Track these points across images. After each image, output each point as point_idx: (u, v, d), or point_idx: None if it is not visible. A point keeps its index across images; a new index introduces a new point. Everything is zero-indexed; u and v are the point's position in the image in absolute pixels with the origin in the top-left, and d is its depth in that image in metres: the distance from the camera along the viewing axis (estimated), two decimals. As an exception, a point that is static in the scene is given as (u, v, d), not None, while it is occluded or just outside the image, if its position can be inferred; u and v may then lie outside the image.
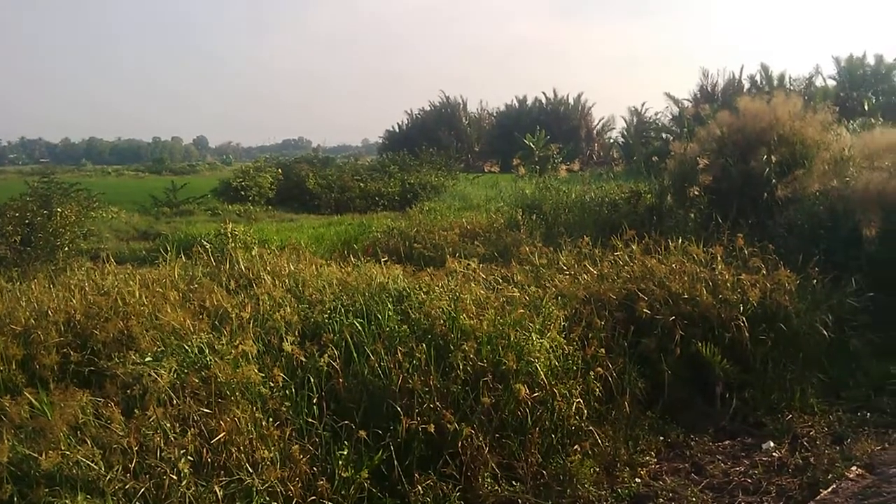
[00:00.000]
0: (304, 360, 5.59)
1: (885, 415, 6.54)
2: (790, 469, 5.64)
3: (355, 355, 5.81)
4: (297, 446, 4.90)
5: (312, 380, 5.44)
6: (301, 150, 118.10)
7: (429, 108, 67.41)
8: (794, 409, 6.78)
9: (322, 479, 4.81)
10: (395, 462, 5.14)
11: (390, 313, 6.42)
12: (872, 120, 19.94)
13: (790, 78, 45.27)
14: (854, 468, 5.20)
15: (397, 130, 67.31)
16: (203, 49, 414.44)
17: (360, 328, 6.12)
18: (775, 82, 44.29)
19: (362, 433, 5.04)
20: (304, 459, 4.87)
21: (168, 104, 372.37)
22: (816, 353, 7.38)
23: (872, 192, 9.61)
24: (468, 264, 8.19)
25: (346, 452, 4.99)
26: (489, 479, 5.38)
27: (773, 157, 11.78)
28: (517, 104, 65.87)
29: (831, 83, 44.52)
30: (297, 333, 6.08)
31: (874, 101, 40.66)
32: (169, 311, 6.72)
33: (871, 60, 44.66)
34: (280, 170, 34.29)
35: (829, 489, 4.93)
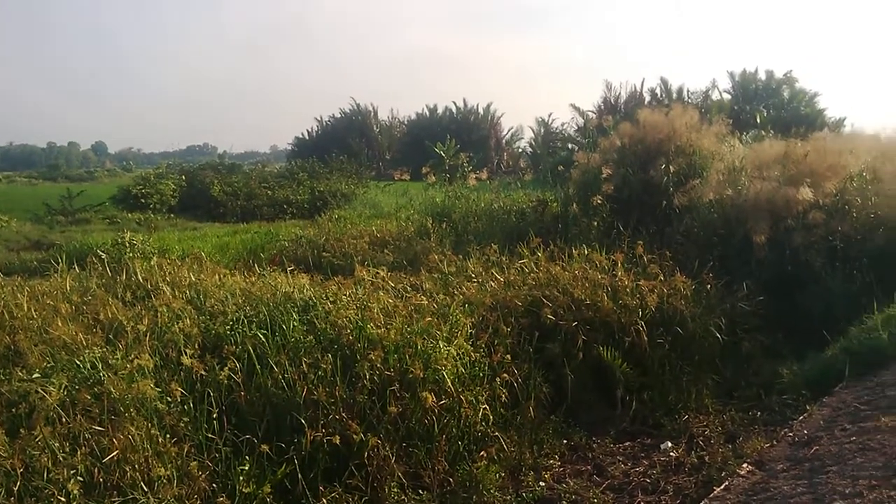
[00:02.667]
0: (203, 373, 5.43)
1: (774, 413, 6.84)
2: (686, 468, 5.84)
3: (258, 367, 5.69)
4: (195, 463, 4.75)
5: (212, 394, 5.29)
6: (206, 156, 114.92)
7: (339, 116, 66.89)
8: (690, 410, 7.03)
9: (222, 496, 4.67)
10: (300, 475, 5.05)
11: (295, 323, 6.33)
12: (763, 132, 20.95)
13: (688, 91, 47.28)
14: (745, 465, 5.41)
15: (307, 137, 66.44)
16: (103, 51, 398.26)
17: (263, 339, 6.00)
18: (674, 95, 46.12)
19: (265, 447, 4.93)
20: (203, 476, 4.73)
21: (65, 108, 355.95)
22: (711, 355, 7.70)
23: (763, 200, 10.09)
24: (377, 273, 8.16)
25: (247, 467, 4.88)
26: (396, 489, 5.36)
27: (671, 167, 12.25)
28: (428, 113, 66.16)
29: (727, 97, 46.66)
30: (196, 346, 5.93)
31: (765, 114, 42.85)
32: (60, 324, 6.46)
33: (762, 76, 47.12)
34: (184, 176, 33.32)
35: (722, 486, 5.11)
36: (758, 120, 38.88)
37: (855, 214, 9.72)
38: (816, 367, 7.29)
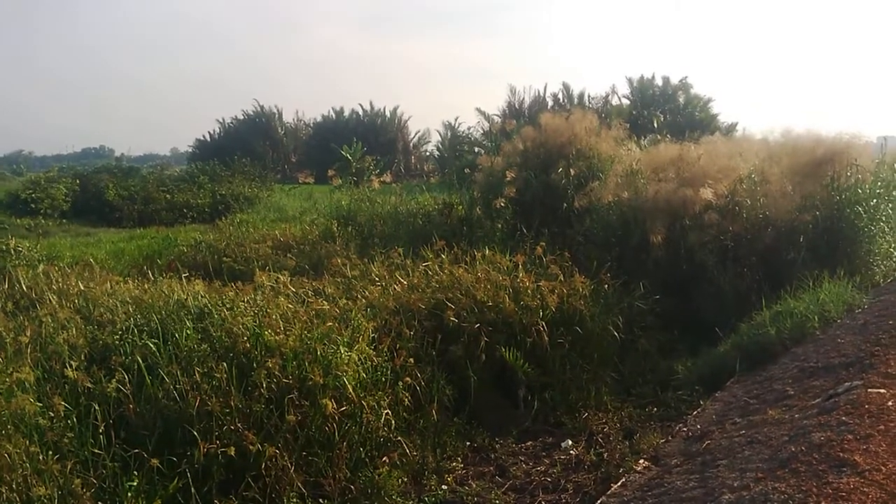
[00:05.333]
0: (90, 386, 5.16)
1: (670, 409, 7.06)
2: (586, 466, 5.94)
3: (148, 378, 5.44)
4: (79, 480, 4.50)
5: (99, 407, 5.02)
6: (103, 158, 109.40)
7: (242, 117, 65.12)
8: (590, 408, 7.16)
9: (109, 514, 4.45)
10: (193, 489, 4.85)
11: (189, 332, 6.09)
12: (659, 136, 21.71)
13: (589, 96, 48.26)
14: (641, 461, 5.53)
15: (208, 139, 64.39)
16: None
17: (154, 349, 5.74)
18: (576, 100, 47.08)
19: (155, 461, 4.72)
20: (89, 494, 4.48)
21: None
22: (609, 353, 7.89)
23: (660, 201, 10.39)
24: (277, 278, 7.97)
25: (136, 483, 4.66)
26: (295, 499, 5.22)
27: (571, 169, 12.52)
28: (334, 115, 65.13)
29: (625, 102, 47.94)
30: (83, 357, 5.63)
31: (662, 118, 44.28)
32: (-69, 337, 5.99)
33: (659, 82, 48.72)
34: (77, 180, 31.78)
35: (620, 483, 5.21)
36: (655, 124, 40.13)
37: (745, 215, 10.11)
38: (709, 363, 7.56)
